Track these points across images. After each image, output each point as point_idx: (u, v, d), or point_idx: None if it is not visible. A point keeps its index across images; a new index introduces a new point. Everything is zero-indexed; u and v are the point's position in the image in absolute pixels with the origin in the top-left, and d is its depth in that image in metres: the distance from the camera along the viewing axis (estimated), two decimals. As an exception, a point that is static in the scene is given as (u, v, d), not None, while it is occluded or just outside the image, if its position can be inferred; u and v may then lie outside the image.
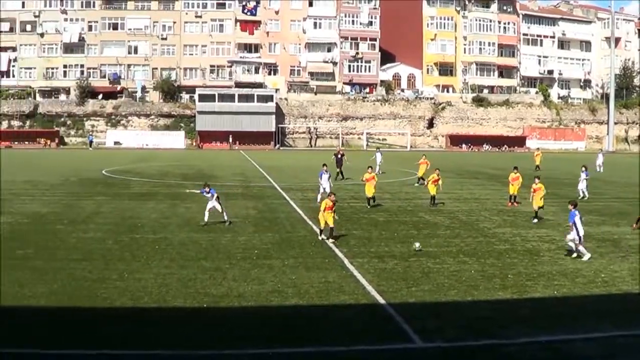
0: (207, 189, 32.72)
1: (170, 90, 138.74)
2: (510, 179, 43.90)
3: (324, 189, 41.35)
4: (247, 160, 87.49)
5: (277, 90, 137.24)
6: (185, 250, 26.69)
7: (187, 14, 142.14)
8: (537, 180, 36.89)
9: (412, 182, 55.70)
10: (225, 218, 32.84)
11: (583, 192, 47.16)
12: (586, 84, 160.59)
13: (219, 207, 32.50)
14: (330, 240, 28.31)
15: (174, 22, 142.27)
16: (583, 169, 47.81)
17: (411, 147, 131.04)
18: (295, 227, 33.27)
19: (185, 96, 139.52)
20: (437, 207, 41.02)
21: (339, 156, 58.68)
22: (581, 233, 26.05)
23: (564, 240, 27.88)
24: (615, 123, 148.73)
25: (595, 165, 73.23)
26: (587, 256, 26.02)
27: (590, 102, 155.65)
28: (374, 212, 38.62)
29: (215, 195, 32.71)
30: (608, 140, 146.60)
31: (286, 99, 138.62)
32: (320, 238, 28.60)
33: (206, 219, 32.34)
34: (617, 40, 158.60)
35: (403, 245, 28.36)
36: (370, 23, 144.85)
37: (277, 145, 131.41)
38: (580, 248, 26.17)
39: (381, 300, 19.99)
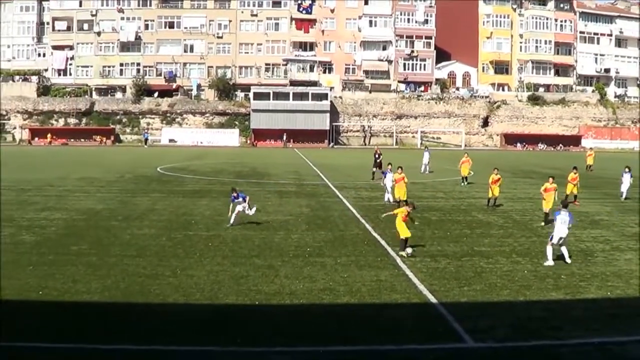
0: (235, 194, 32.22)
1: (225, 89, 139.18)
2: (570, 178, 43.61)
3: (388, 188, 41.27)
4: (301, 159, 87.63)
5: (331, 88, 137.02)
6: (238, 247, 26.87)
7: (242, 12, 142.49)
8: (551, 180, 36.36)
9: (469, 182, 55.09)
10: (251, 213, 32.42)
11: (623, 193, 46.26)
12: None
13: (244, 207, 32.14)
14: (404, 251, 25.85)
15: (230, 21, 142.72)
16: (626, 169, 46.75)
17: (466, 145, 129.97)
18: (348, 225, 33.30)
19: (240, 94, 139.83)
20: (494, 208, 40.39)
21: (376, 155, 58.02)
22: (556, 237, 25.09)
23: (621, 241, 27.49)
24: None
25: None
26: (548, 262, 24.95)
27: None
28: (427, 211, 38.45)
29: (247, 199, 32.37)
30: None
31: (341, 97, 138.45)
32: (403, 253, 25.92)
33: (232, 221, 31.94)
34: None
35: (456, 244, 28.30)
36: (426, 21, 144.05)
37: (331, 144, 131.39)
38: (548, 247, 25.27)
39: (433, 300, 19.99)
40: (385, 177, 41.96)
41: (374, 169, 56.27)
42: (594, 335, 17.25)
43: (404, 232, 25.91)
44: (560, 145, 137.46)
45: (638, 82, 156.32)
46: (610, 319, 18.85)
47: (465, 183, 53.77)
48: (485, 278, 22.72)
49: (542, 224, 34.28)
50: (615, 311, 19.69)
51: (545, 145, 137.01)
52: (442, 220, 35.50)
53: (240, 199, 32.01)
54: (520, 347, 16.41)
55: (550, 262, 24.79)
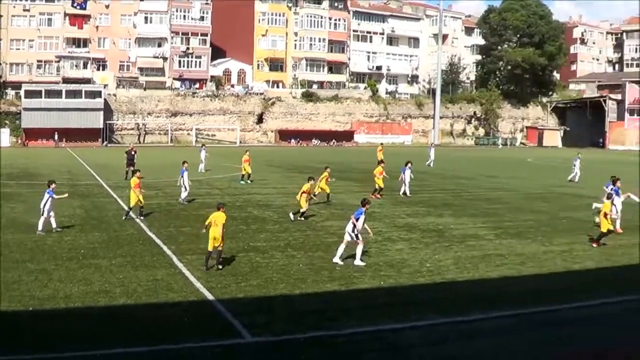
0: (52, 187, 30.60)
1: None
2: (377, 173, 44.68)
3: (185, 187, 40.89)
4: (74, 158, 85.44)
5: (105, 86, 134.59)
6: (9, 252, 25.84)
7: (14, 7, 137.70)
8: (311, 182, 36.57)
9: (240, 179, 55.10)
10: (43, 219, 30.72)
11: (404, 189, 46.58)
12: (414, 79, 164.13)
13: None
14: (217, 266, 23.48)
15: (0, 16, 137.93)
16: (409, 165, 47.26)
17: (241, 142, 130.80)
18: (123, 225, 32.77)
19: (10, 92, 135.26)
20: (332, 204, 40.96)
21: (133, 153, 57.00)
22: (354, 231, 24.86)
23: (392, 232, 28.29)
24: (441, 117, 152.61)
25: (431, 160, 74.82)
26: (356, 260, 24.67)
27: (417, 97, 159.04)
28: (202, 208, 38.30)
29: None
30: (434, 134, 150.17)
31: (115, 94, 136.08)
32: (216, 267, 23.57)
33: (41, 227, 30.11)
34: (445, 37, 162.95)
35: (232, 240, 28.30)
36: (202, 18, 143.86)
37: (105, 142, 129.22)
38: (357, 250, 24.98)
39: (210, 297, 20.02)
40: (182, 175, 41.08)
41: (128, 169, 54.63)
42: (369, 324, 17.78)
43: (217, 240, 23.52)
44: (334, 140, 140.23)
45: (408, 79, 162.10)
46: (384, 308, 19.49)
47: (247, 181, 53.39)
48: (261, 273, 22.93)
49: (292, 217, 34.93)
50: (388, 300, 20.36)
51: (319, 141, 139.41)
52: (219, 217, 35.48)
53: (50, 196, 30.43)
54: (298, 339, 16.65)
55: (338, 260, 24.77)
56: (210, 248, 23.45)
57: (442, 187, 52.95)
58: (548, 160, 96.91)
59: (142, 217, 34.55)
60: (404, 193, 46.35)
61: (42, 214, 30.14)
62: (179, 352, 15.79)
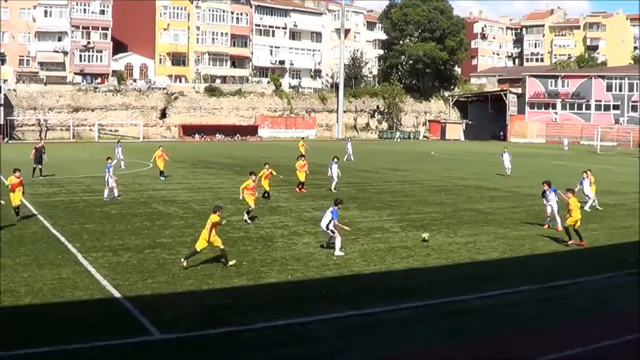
0: None
1: None
2: (299, 166, 44.69)
3: (112, 186, 40.15)
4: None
5: (5, 81, 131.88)
6: None
7: None
8: (252, 177, 35.13)
9: (147, 174, 54.55)
10: None
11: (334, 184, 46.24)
12: (317, 73, 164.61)
13: None
14: (230, 263, 23.52)
15: None
16: (335, 160, 46.99)
17: (144, 138, 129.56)
18: (27, 223, 32.09)
19: None
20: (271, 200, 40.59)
21: (44, 150, 55.27)
22: (330, 228, 25.64)
23: (299, 226, 28.37)
24: (345, 111, 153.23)
25: (349, 155, 74.81)
26: (336, 251, 25.47)
27: (320, 91, 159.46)
28: (107, 205, 37.92)
29: None
30: (337, 128, 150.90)
31: (15, 90, 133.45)
32: (183, 263, 23.27)
33: None
34: (347, 31, 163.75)
35: (137, 237, 28.11)
36: (103, 12, 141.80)
37: (6, 139, 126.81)
38: (336, 242, 25.73)
39: (117, 295, 19.83)
40: (108, 171, 40.30)
41: (36, 166, 53.38)
42: (278, 318, 17.89)
43: (202, 243, 23.54)
44: (238, 135, 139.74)
45: (311, 74, 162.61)
46: (293, 302, 19.57)
47: (163, 177, 52.03)
48: (168, 269, 22.79)
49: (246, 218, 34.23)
50: (296, 294, 20.46)
51: (223, 136, 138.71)
52: (122, 213, 35.15)
53: None
54: (207, 335, 16.65)
55: (338, 251, 25.45)
56: (198, 247, 23.50)
57: (347, 180, 53.04)
58: (451, 153, 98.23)
59: (18, 218, 32.91)
60: (334, 188, 45.84)
61: None
62: (88, 351, 15.60)
